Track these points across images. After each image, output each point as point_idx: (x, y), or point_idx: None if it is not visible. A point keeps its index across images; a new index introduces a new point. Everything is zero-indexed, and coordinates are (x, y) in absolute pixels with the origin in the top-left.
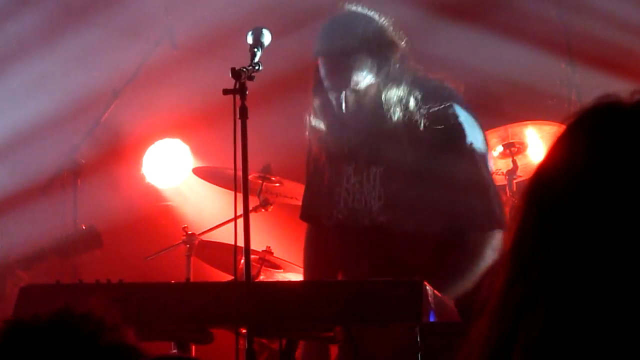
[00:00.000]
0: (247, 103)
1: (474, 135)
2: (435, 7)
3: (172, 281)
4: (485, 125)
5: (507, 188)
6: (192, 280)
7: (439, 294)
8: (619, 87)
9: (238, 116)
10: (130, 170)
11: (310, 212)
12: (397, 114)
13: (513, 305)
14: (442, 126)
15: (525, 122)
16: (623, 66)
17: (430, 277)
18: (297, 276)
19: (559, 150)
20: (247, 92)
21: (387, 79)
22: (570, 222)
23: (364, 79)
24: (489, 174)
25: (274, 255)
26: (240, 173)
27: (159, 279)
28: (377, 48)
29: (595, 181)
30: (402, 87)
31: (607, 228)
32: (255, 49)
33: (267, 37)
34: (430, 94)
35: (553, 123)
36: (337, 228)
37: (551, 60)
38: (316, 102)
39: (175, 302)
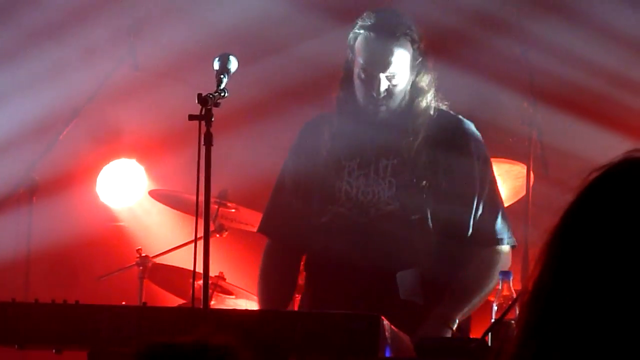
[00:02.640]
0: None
1: (485, 150)
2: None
3: (124, 303)
4: None
5: None
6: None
7: (396, 329)
8: (580, 128)
9: (203, 142)
10: (85, 189)
11: (286, 218)
12: (419, 118)
13: None
14: (455, 135)
15: None
16: (585, 107)
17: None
18: (248, 303)
19: (582, 204)
20: (212, 119)
21: (417, 79)
22: (591, 280)
23: (403, 67)
24: (498, 189)
25: (227, 281)
26: (202, 198)
27: (110, 300)
28: (420, 42)
29: (623, 240)
30: (429, 95)
31: (632, 289)
32: (222, 76)
33: (233, 64)
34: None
35: (512, 161)
36: (330, 224)
37: (513, 98)
38: (340, 94)
39: (131, 325)
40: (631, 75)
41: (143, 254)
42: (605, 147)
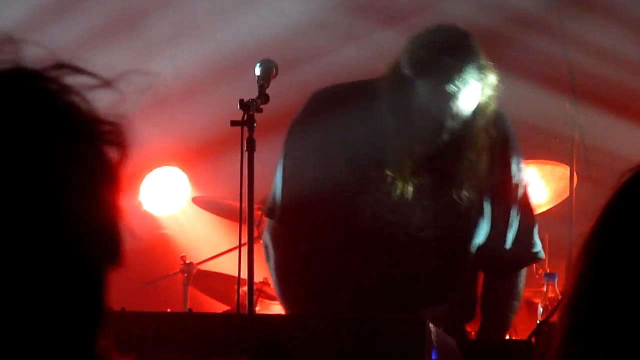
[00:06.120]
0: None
1: (519, 148)
2: None
3: (169, 310)
4: None
5: None
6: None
7: (442, 332)
8: (623, 128)
9: (245, 148)
10: (128, 197)
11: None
12: (478, 139)
13: None
14: (497, 140)
15: (526, 161)
16: (627, 106)
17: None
18: None
19: (618, 206)
20: (255, 125)
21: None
22: (632, 280)
23: (471, 105)
24: (529, 195)
25: (271, 286)
26: (245, 204)
27: (155, 307)
28: (485, 67)
29: None
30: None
31: None
32: (264, 81)
33: (275, 70)
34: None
35: (555, 162)
36: (349, 241)
37: (555, 99)
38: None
39: (178, 332)
40: None
41: (187, 261)
42: None
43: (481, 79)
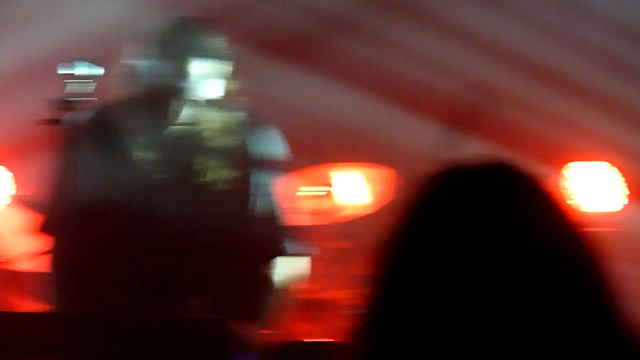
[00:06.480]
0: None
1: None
2: (259, 46)
3: None
4: (298, 166)
5: (316, 229)
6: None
7: (245, 332)
8: (421, 126)
9: (58, 147)
10: None
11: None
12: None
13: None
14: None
15: (336, 164)
16: (433, 106)
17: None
18: None
19: (423, 207)
20: (74, 124)
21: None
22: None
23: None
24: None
25: None
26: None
27: None
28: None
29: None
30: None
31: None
32: (81, 80)
33: (93, 69)
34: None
35: (378, 165)
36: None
37: (370, 102)
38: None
39: None
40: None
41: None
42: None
43: (212, 63)
